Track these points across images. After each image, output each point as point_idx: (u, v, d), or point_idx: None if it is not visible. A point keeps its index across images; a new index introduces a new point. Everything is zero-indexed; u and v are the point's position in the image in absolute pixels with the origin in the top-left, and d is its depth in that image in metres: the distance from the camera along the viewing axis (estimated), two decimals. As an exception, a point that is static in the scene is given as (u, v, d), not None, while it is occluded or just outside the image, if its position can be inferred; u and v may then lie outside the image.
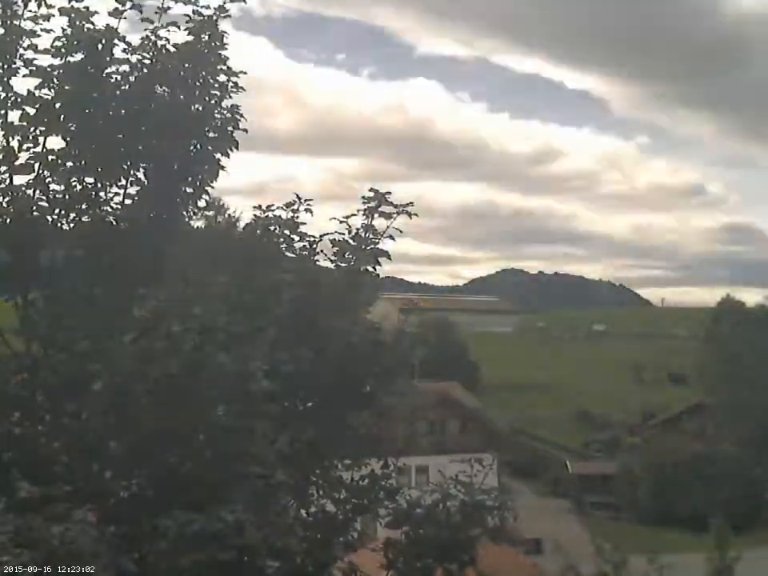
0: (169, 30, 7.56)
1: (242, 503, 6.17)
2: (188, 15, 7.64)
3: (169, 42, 7.57)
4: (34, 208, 7.41)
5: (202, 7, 7.67)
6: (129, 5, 7.41)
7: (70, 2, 7.34)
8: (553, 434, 76.60)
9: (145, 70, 7.52)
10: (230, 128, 7.82)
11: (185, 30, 7.62)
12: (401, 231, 7.99)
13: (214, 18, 7.70)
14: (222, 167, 7.89)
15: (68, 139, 7.38)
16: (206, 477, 6.46)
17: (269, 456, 6.68)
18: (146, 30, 7.51)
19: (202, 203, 7.98)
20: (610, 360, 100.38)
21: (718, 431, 63.19)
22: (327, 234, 8.02)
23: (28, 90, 7.30)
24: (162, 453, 6.55)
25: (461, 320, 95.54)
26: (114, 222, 7.59)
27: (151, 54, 7.53)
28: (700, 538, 38.35)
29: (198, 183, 7.83)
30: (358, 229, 8.02)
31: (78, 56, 7.32)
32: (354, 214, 8.01)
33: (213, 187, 7.95)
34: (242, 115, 7.84)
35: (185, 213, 7.97)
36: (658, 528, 50.79)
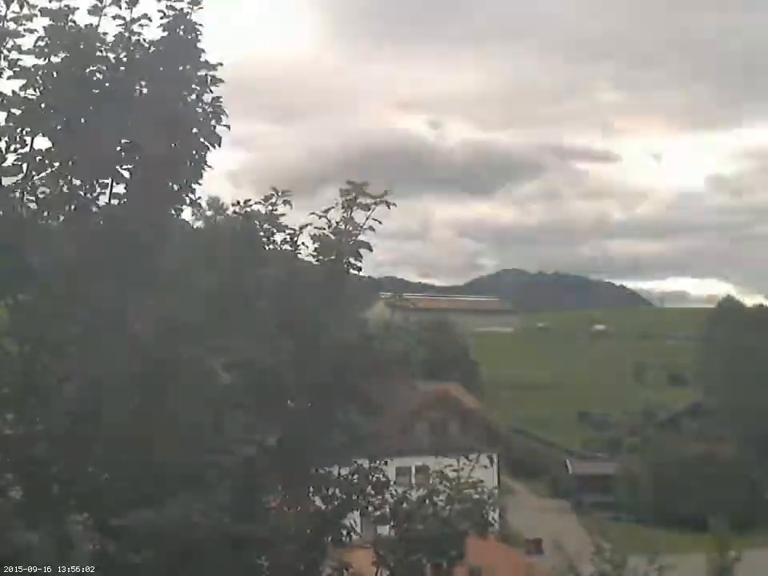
0: (142, 25, 7.56)
1: (224, 497, 6.18)
2: (161, 11, 7.61)
3: (142, 37, 7.53)
4: (22, 209, 7.43)
5: (174, 1, 7.64)
6: (108, 1, 7.40)
7: (50, 2, 7.36)
8: (553, 434, 76.58)
9: (122, 68, 7.52)
10: (212, 123, 7.80)
11: (159, 26, 7.62)
12: (380, 222, 7.94)
13: (186, 11, 7.66)
14: (206, 163, 7.88)
15: (54, 139, 7.40)
16: (175, 469, 6.46)
17: (246, 450, 6.67)
18: (118, 25, 7.52)
19: (187, 200, 7.96)
20: (610, 360, 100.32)
21: (717, 431, 63.14)
22: (306, 225, 7.98)
23: (13, 90, 7.30)
24: (130, 444, 6.54)
25: (461, 320, 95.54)
26: (102, 222, 7.60)
27: (126, 50, 7.53)
28: (700, 538, 38.32)
29: (184, 180, 7.83)
30: (337, 222, 7.98)
31: (61, 55, 7.33)
32: (333, 207, 7.97)
33: (200, 184, 7.94)
34: (223, 110, 7.83)
35: (173, 210, 7.96)
36: (658, 528, 50.76)
